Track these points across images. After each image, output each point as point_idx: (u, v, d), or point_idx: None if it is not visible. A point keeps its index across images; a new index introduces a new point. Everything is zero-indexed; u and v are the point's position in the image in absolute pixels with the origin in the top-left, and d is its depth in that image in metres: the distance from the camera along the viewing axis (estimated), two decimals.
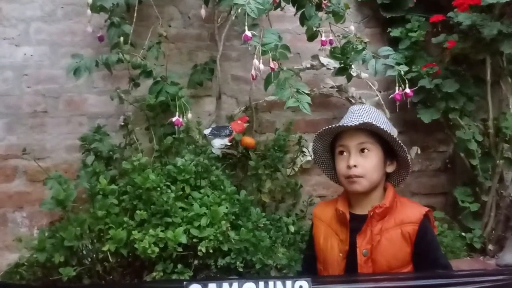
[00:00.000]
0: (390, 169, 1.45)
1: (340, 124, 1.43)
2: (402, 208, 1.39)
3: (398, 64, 2.02)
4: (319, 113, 2.39)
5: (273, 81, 1.73)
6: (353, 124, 1.38)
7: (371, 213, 1.37)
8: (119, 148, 2.12)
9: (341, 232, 1.43)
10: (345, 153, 1.42)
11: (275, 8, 2.03)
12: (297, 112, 2.30)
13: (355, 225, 1.40)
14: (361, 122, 1.37)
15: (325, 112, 2.42)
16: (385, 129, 1.37)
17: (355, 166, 1.38)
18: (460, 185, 2.36)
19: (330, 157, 1.52)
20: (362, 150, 1.39)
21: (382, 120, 1.43)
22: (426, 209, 1.40)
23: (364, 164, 1.39)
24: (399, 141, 1.39)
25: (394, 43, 2.34)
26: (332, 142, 1.50)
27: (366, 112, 1.44)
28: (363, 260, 1.35)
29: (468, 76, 2.31)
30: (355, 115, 1.43)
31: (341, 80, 2.28)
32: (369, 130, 1.39)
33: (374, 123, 1.37)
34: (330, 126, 1.44)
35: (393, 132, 1.44)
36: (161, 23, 2.14)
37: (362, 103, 2.33)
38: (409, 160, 1.43)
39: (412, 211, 1.38)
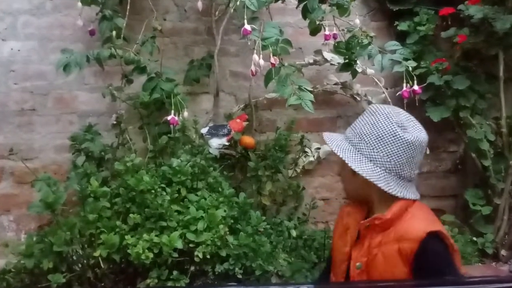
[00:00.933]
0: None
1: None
2: (409, 221, 1.28)
3: (406, 59, 2.02)
4: (322, 111, 2.39)
5: (273, 77, 1.73)
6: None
7: (367, 224, 1.34)
8: (111, 148, 2.12)
9: (351, 236, 1.42)
10: None
11: (276, 1, 2.03)
12: (299, 110, 2.29)
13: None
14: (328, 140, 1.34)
15: (329, 110, 2.42)
16: (330, 144, 1.31)
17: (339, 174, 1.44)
18: (471, 187, 2.36)
19: None
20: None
21: (363, 124, 1.32)
22: (437, 228, 1.25)
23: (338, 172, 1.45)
24: (338, 153, 1.29)
25: (401, 37, 2.34)
26: None
27: (361, 116, 1.35)
28: (356, 273, 1.33)
29: (479, 72, 2.30)
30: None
31: (346, 76, 2.28)
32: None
33: (327, 136, 1.34)
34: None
35: (379, 145, 1.28)
36: (155, 16, 2.14)
37: (368, 100, 2.33)
38: (361, 173, 1.27)
39: (415, 227, 1.25)
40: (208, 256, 1.69)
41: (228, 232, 1.77)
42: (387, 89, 2.36)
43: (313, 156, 2.31)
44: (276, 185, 2.21)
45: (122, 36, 1.96)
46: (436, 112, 2.25)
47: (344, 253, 1.39)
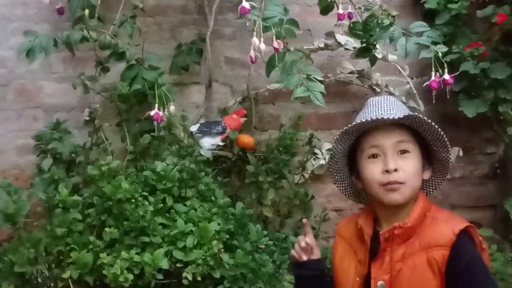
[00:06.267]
0: (427, 175, 1.44)
1: (364, 120, 1.37)
2: (432, 226, 1.35)
3: (435, 43, 2.02)
4: (335, 105, 2.40)
5: (277, 64, 1.73)
6: (396, 117, 1.36)
7: (386, 235, 1.35)
8: (84, 149, 2.12)
9: (360, 251, 1.44)
10: (379, 156, 1.39)
11: None
12: (307, 103, 2.30)
13: (377, 245, 1.40)
14: (406, 114, 1.35)
15: (343, 104, 2.42)
16: (432, 123, 1.35)
17: (395, 170, 1.35)
18: None
19: (345, 163, 1.51)
20: (402, 151, 1.38)
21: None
22: (463, 224, 1.32)
23: (405, 168, 1.36)
24: (446, 139, 1.38)
25: (429, 17, 2.34)
26: (354, 144, 1.48)
27: (392, 103, 1.42)
28: None
29: None
30: (383, 107, 1.41)
31: (363, 63, 2.28)
32: (408, 127, 1.38)
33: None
34: (362, 120, 1.38)
35: None
36: None
37: (389, 92, 2.33)
38: (450, 163, 1.44)
39: (441, 231, 1.32)
40: (199, 278, 1.70)
41: (222, 250, 1.77)
42: (412, 78, 2.37)
43: (324, 159, 2.32)
44: (279, 194, 2.21)
45: (96, 15, 1.97)
46: (471, 106, 2.25)
47: (361, 276, 1.40)
